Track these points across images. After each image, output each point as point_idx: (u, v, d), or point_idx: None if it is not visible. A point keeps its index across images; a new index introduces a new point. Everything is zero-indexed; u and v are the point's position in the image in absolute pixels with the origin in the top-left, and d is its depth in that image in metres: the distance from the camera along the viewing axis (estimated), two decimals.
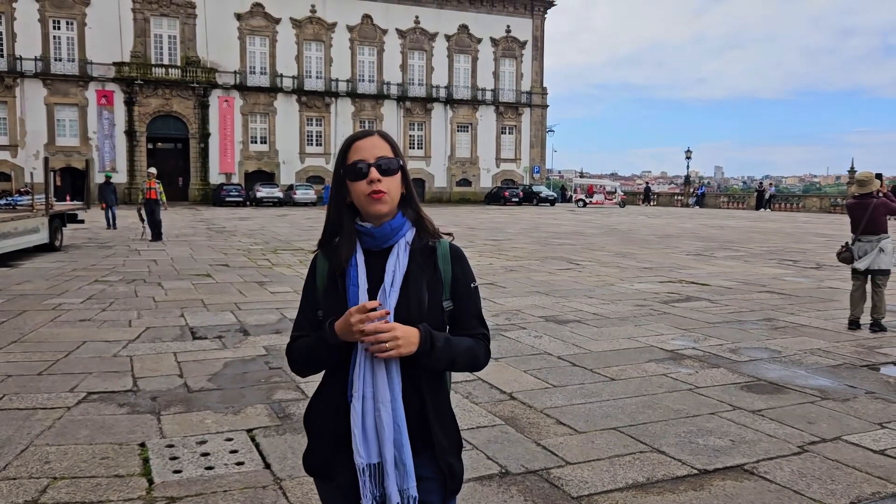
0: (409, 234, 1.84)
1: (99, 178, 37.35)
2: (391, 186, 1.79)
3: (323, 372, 1.89)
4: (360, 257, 1.81)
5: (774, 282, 11.63)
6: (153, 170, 19.95)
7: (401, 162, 1.82)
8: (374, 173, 1.76)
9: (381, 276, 1.78)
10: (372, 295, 1.77)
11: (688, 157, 55.42)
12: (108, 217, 22.75)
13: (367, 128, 1.89)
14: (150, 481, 3.69)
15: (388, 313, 1.71)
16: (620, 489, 3.64)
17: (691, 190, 56.38)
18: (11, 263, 13.00)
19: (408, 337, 1.69)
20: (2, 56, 42.83)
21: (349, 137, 1.85)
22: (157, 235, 18.61)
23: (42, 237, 14.78)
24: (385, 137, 1.83)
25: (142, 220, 18.77)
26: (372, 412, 1.73)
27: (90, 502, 3.43)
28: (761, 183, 55.98)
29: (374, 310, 1.67)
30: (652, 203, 57.54)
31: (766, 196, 47.58)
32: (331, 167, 46.55)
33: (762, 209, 45.69)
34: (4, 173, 41.81)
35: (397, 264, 1.79)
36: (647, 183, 76.96)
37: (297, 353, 1.85)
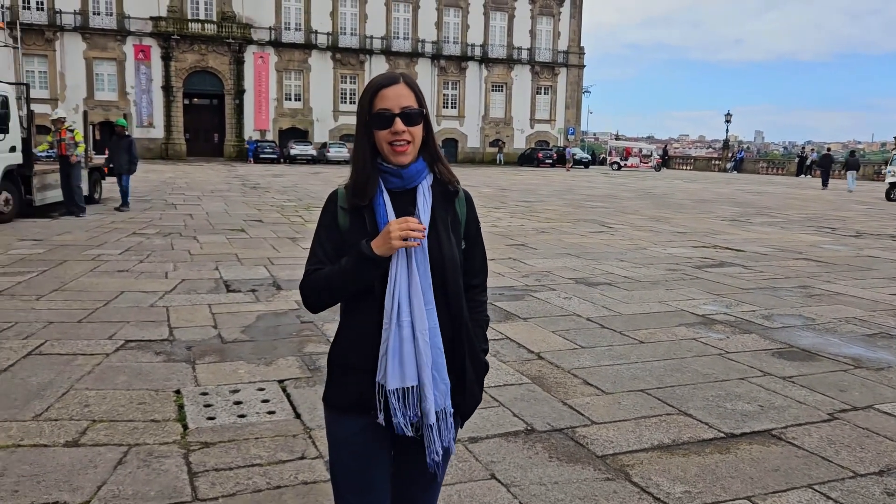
0: (429, 178, 1.91)
1: (133, 133, 36.98)
2: (414, 136, 1.84)
3: (341, 312, 1.95)
4: (386, 197, 1.85)
5: (812, 249, 11.40)
6: (60, 112, 13.96)
7: (424, 111, 1.85)
8: (398, 124, 1.80)
9: (408, 213, 1.83)
10: None
11: (727, 121, 54.12)
12: (122, 188, 14.88)
13: (394, 75, 1.89)
14: (185, 427, 3.80)
15: (424, 228, 1.79)
16: (646, 450, 3.66)
17: (729, 155, 55.18)
18: (52, 214, 13.31)
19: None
20: (42, 9, 43.24)
21: (375, 83, 1.86)
22: (70, 206, 13.27)
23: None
24: (409, 84, 1.86)
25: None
26: (411, 338, 1.79)
27: (128, 444, 3.55)
28: (803, 148, 54.52)
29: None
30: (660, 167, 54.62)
31: (807, 162, 46.39)
32: None
33: (802, 175, 44.61)
34: (44, 126, 42.40)
35: (425, 201, 1.87)
36: (664, 147, 75.05)
37: (317, 283, 1.86)
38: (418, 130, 1.85)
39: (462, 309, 1.90)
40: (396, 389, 1.80)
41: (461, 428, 2.02)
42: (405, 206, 1.85)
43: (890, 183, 25.42)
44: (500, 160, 52.61)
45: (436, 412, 1.82)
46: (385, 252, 1.75)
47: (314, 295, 1.88)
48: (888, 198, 24.76)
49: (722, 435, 3.87)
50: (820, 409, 4.28)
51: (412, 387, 1.80)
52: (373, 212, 1.84)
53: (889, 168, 26.81)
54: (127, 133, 15.31)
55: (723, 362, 5.19)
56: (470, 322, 1.95)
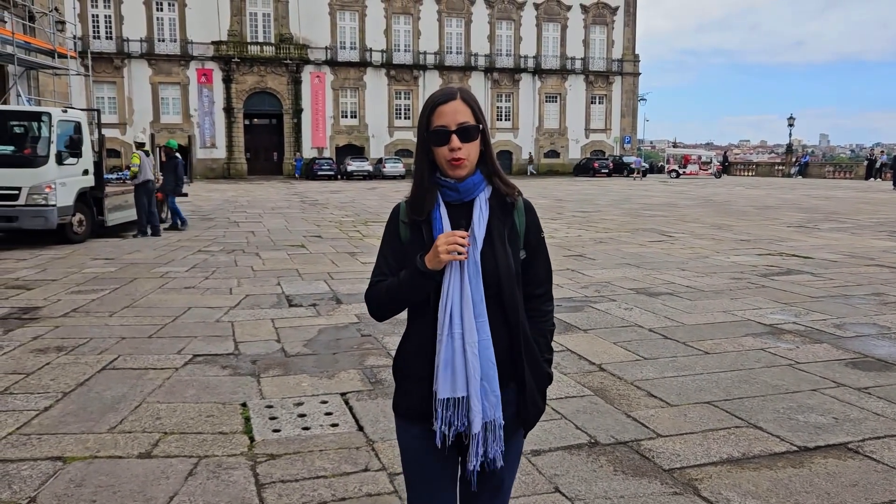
0: (487, 191, 1.93)
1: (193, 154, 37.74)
2: (471, 151, 1.87)
3: (406, 320, 2.00)
4: (443, 210, 1.90)
5: (885, 255, 10.94)
6: (141, 136, 14.60)
7: (481, 126, 1.88)
8: (454, 141, 1.84)
9: (464, 226, 1.88)
10: None
11: (790, 125, 52.51)
12: (169, 208, 15.30)
13: (451, 91, 1.91)
14: (252, 439, 3.88)
15: (467, 234, 1.82)
16: (714, 463, 3.56)
17: (793, 159, 53.51)
18: (123, 234, 13.83)
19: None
20: (111, 38, 45.21)
21: (432, 99, 1.90)
22: (142, 229, 13.66)
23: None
24: (466, 100, 1.88)
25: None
26: (461, 350, 1.82)
27: (197, 456, 3.65)
28: (872, 150, 52.43)
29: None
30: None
31: (877, 165, 44.62)
32: None
33: (872, 179, 42.91)
34: (114, 150, 44.20)
35: (481, 214, 1.89)
36: (724, 153, 73.33)
37: (378, 294, 1.93)
38: (475, 145, 1.88)
39: (519, 320, 1.91)
40: (445, 399, 1.84)
41: (524, 438, 2.03)
42: (462, 218, 1.88)
43: None
44: (531, 171, 51.97)
45: (484, 423, 1.85)
46: (436, 266, 1.80)
47: (377, 305, 1.96)
48: None
49: (795, 448, 3.74)
50: None
51: (462, 397, 1.84)
52: (430, 225, 1.89)
53: None
54: (175, 154, 15.26)
55: (793, 373, 5.02)
56: (532, 331, 1.96)
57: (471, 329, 1.83)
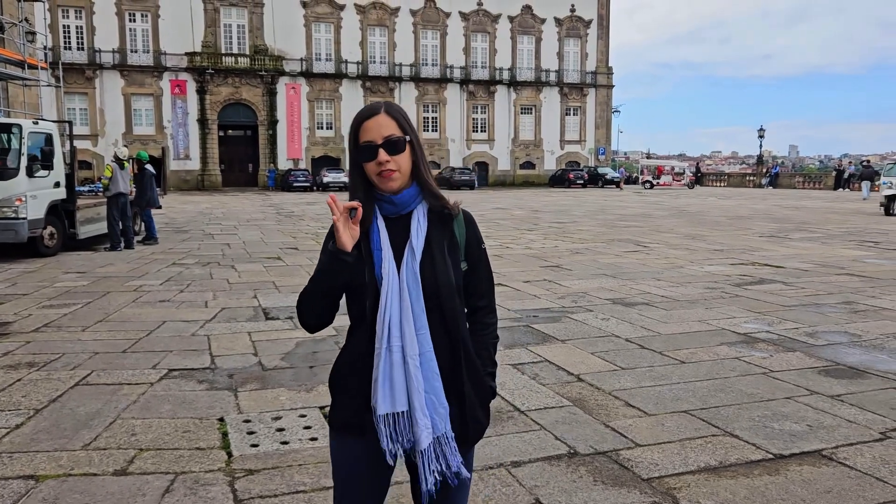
0: (426, 203, 1.92)
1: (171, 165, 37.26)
2: (401, 163, 1.85)
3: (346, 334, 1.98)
4: (380, 223, 1.89)
5: (854, 264, 11.16)
6: (120, 149, 13.95)
7: (408, 138, 1.86)
8: (382, 155, 1.83)
9: (402, 239, 1.87)
10: (398, 255, 1.86)
11: (760, 136, 53.47)
12: (145, 223, 15.13)
13: (375, 105, 1.91)
14: (230, 454, 3.84)
15: (359, 204, 1.80)
16: (692, 472, 3.59)
17: (764, 170, 54.43)
18: (95, 247, 13.63)
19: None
20: (82, 49, 44.72)
21: (357, 116, 1.90)
22: (114, 242, 13.43)
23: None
24: (391, 113, 1.87)
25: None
26: (401, 363, 1.81)
27: (174, 472, 3.60)
28: (840, 161, 53.54)
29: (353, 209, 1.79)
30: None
31: (845, 175, 45.55)
32: None
33: (840, 189, 43.77)
34: (86, 162, 43.63)
35: (419, 226, 1.89)
36: (697, 164, 74.21)
37: (303, 293, 1.91)
38: (404, 157, 1.86)
39: (460, 332, 1.89)
40: (386, 415, 1.80)
41: (471, 452, 1.97)
42: (400, 231, 1.88)
43: (886, 196, 21.78)
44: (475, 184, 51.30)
45: (435, 437, 1.81)
46: (342, 245, 1.78)
47: (301, 305, 1.92)
48: (887, 212, 21.57)
49: (770, 456, 3.79)
50: (871, 428, 4.17)
51: (403, 412, 1.80)
52: (368, 238, 1.87)
53: (885, 179, 22.65)
54: (144, 167, 14.87)
55: (767, 381, 5.09)
56: (475, 344, 1.95)
57: (412, 341, 1.80)
